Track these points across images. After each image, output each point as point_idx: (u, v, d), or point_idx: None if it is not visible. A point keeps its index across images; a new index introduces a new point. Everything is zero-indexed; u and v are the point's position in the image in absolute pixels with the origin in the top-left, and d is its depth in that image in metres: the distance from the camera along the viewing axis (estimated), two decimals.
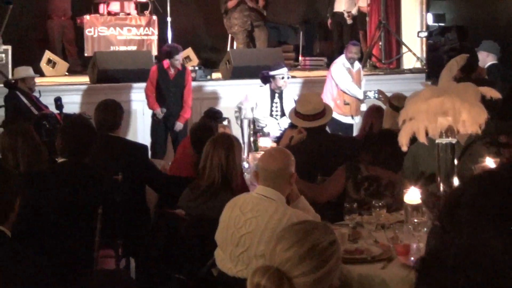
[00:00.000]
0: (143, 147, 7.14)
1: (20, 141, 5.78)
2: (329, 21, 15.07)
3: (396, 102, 7.38)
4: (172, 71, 10.56)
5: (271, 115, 9.82)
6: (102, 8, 14.83)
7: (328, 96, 11.04)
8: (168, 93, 10.55)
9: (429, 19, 12.56)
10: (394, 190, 5.64)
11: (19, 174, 5.53)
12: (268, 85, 10.01)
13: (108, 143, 6.69)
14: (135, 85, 11.59)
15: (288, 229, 2.92)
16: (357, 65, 11.45)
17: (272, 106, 9.88)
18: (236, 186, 5.46)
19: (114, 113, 6.92)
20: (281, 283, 2.72)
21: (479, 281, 1.21)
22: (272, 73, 9.94)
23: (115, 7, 14.80)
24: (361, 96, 11.03)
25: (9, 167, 5.71)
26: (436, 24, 12.04)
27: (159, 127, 10.61)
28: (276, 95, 9.93)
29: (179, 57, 10.60)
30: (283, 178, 4.57)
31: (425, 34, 12.00)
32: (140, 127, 11.39)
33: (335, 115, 10.99)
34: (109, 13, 14.71)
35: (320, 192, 5.89)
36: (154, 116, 10.62)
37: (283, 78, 9.92)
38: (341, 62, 11.34)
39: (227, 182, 5.41)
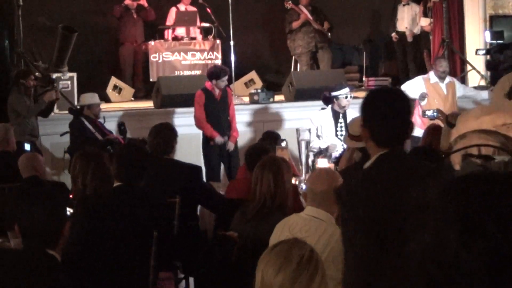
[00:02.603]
0: (197, 168, 7.18)
1: (93, 165, 5.90)
2: (394, 34, 14.94)
3: (454, 120, 7.30)
4: (217, 92, 10.54)
5: (336, 135, 9.77)
6: (167, 34, 15.04)
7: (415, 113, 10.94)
8: (217, 114, 10.49)
9: (487, 36, 12.41)
10: None
11: (81, 198, 5.64)
12: (330, 106, 9.96)
13: (162, 166, 6.76)
14: None
15: (268, 256, 2.95)
16: (448, 79, 11.22)
17: (336, 126, 9.84)
18: (288, 208, 5.48)
19: (167, 137, 7.00)
20: None
21: (440, 279, 1.25)
22: (334, 93, 9.91)
23: (180, 31, 14.98)
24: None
25: (77, 189, 5.85)
26: (494, 41, 11.88)
27: (213, 149, 10.55)
28: (340, 115, 9.90)
29: (226, 77, 10.59)
30: (331, 198, 4.57)
31: (483, 52, 11.86)
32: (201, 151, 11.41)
33: (418, 130, 10.72)
34: (174, 39, 14.90)
35: None
36: (210, 141, 10.55)
37: (346, 97, 9.88)
38: (424, 77, 11.32)
39: (277, 205, 5.43)
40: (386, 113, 3.50)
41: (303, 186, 7.24)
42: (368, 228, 3.51)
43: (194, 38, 14.98)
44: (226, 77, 10.53)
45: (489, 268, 1.25)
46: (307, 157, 7.84)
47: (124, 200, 5.45)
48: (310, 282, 2.88)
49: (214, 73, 10.50)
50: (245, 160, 7.05)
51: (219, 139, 10.37)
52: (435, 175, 3.72)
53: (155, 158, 6.50)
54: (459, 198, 1.32)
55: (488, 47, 13.40)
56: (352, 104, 10.06)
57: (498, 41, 11.80)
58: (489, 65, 10.96)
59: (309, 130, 8.32)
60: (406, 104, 3.61)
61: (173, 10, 14.96)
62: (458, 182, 1.38)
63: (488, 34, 12.38)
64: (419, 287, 1.29)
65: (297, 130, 8.97)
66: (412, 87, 11.04)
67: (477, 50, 13.04)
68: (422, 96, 10.91)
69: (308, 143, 7.92)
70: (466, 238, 1.27)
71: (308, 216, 4.55)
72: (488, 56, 11.84)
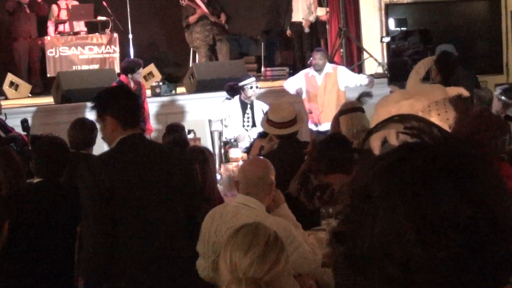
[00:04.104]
0: None
1: (2, 161, 5.77)
2: (288, 31, 15.11)
3: (349, 106, 7.46)
4: (132, 85, 10.47)
5: (243, 126, 9.85)
6: (62, 28, 14.81)
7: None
8: None
9: (391, 24, 12.67)
10: None
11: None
12: (237, 97, 10.03)
13: (80, 161, 6.68)
14: None
15: (234, 239, 3.01)
16: (326, 69, 11.13)
17: (244, 117, 9.91)
18: (213, 198, 5.52)
19: (90, 131, 6.95)
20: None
21: (394, 275, 1.14)
22: (241, 83, 9.97)
23: (74, 26, 14.79)
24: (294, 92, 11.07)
25: None
26: (398, 28, 12.14)
27: None
28: (248, 106, 9.97)
29: (141, 70, 10.57)
30: (263, 186, 4.62)
31: (388, 39, 12.11)
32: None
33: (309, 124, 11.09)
34: (69, 33, 14.69)
35: None
36: None
37: (251, 87, 9.96)
38: (305, 72, 11.35)
39: (204, 195, 5.46)
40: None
41: (218, 176, 7.29)
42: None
43: (89, 33, 14.81)
44: (141, 70, 10.51)
45: (449, 265, 1.14)
46: (220, 147, 7.88)
47: (45, 196, 5.39)
48: (277, 261, 2.94)
49: (128, 68, 10.49)
50: None
51: None
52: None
53: (74, 153, 6.42)
54: (403, 177, 1.18)
55: (384, 34, 13.70)
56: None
57: (402, 28, 12.05)
58: (393, 52, 11.19)
59: (221, 120, 8.37)
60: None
61: (54, 7, 14.74)
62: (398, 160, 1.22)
63: (392, 21, 12.64)
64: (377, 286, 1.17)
65: (209, 121, 9.01)
66: (292, 83, 11.25)
67: (382, 37, 13.29)
68: (297, 92, 11.06)
69: (220, 133, 7.96)
70: (422, 231, 1.14)
71: (239, 204, 4.59)
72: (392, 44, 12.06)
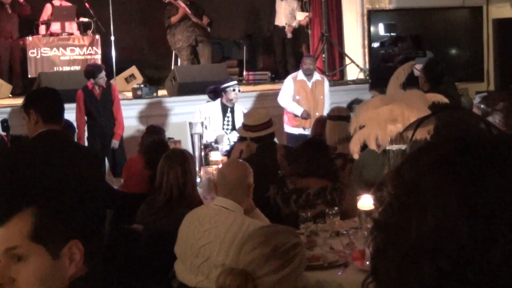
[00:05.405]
0: (101, 156, 7.13)
1: None
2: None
3: (336, 113, 7.54)
4: (97, 90, 10.52)
5: (222, 128, 9.88)
6: (43, 29, 14.77)
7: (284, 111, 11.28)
8: (98, 113, 10.51)
9: (380, 29, 12.63)
10: (340, 196, 5.69)
11: None
12: (219, 100, 10.06)
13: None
14: None
15: (253, 232, 3.01)
16: (316, 76, 11.44)
17: (224, 120, 9.94)
18: (193, 200, 5.53)
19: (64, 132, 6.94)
20: (245, 283, 2.80)
21: (446, 268, 1.11)
22: (223, 86, 10.01)
23: (56, 27, 14.75)
24: (298, 112, 11.09)
25: None
26: (387, 34, 12.11)
27: (95, 144, 10.50)
28: (228, 109, 10.00)
29: (103, 75, 10.57)
30: (241, 188, 4.63)
31: (377, 44, 12.08)
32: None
33: (288, 128, 11.16)
34: (51, 34, 14.65)
35: None
36: (88, 137, 10.59)
37: (234, 90, 9.99)
38: (293, 76, 11.47)
39: (184, 197, 5.48)
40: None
41: (198, 179, 7.29)
42: None
43: (71, 34, 14.77)
44: (103, 74, 10.53)
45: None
46: (200, 150, 7.88)
47: None
48: (277, 270, 2.91)
49: (90, 72, 10.52)
50: (144, 156, 7.05)
51: None
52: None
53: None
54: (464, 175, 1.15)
55: (366, 40, 13.71)
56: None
57: (391, 33, 12.03)
58: (383, 58, 11.14)
59: (202, 123, 8.38)
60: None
61: (48, 6, 14.71)
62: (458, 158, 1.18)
63: (381, 26, 12.61)
64: (425, 280, 1.14)
65: (190, 124, 8.98)
66: (286, 92, 11.28)
67: (370, 42, 13.25)
68: (307, 114, 11.13)
69: (201, 136, 7.96)
70: (475, 228, 1.11)
71: (217, 206, 4.59)
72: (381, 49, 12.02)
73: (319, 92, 11.33)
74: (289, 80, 11.42)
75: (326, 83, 11.63)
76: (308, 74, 11.31)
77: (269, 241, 2.95)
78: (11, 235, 2.14)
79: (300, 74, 11.35)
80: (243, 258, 2.91)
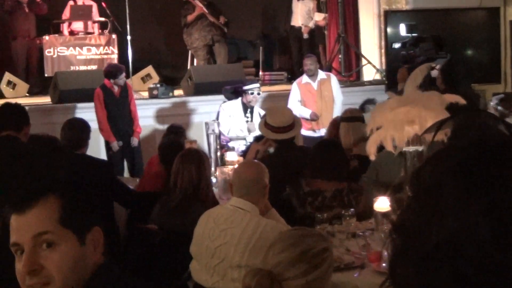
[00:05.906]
0: (109, 163, 7.14)
1: None
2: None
3: (349, 115, 7.48)
4: (116, 89, 10.52)
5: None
6: (62, 28, 14.82)
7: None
8: (117, 111, 10.49)
9: (402, 29, 12.53)
10: (356, 198, 5.66)
11: None
12: (240, 99, 10.11)
13: (74, 161, 6.68)
14: None
15: (283, 234, 3.00)
16: (320, 75, 11.30)
17: (244, 118, 9.99)
18: (208, 200, 5.52)
19: (80, 132, 6.93)
20: (271, 285, 2.78)
21: (467, 273, 1.10)
22: (245, 87, 10.04)
23: (76, 26, 14.80)
24: (307, 115, 10.98)
25: None
26: (409, 34, 12.03)
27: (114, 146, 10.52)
28: (248, 109, 10.03)
29: (123, 76, 10.58)
30: (257, 188, 4.62)
31: (399, 45, 11.99)
32: (103, 146, 11.33)
33: (303, 131, 11.11)
34: (70, 33, 14.69)
35: None
36: (108, 145, 10.55)
37: (252, 94, 10.01)
38: (297, 81, 11.39)
39: (199, 196, 5.47)
40: None
41: (213, 179, 7.27)
42: None
43: (91, 33, 14.82)
44: (123, 75, 10.55)
45: None
46: (216, 150, 7.87)
47: None
48: (303, 274, 2.89)
49: (111, 72, 10.49)
50: (160, 155, 7.04)
51: (114, 145, 10.39)
52: None
53: (67, 153, 6.42)
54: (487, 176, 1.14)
55: (383, 41, 13.68)
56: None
57: (413, 34, 11.95)
58: (404, 59, 11.04)
59: (218, 123, 8.35)
60: None
61: (69, 5, 14.77)
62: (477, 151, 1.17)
63: (403, 27, 12.53)
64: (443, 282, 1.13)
65: (206, 124, 8.96)
66: (293, 98, 11.21)
67: (392, 43, 13.16)
68: (315, 115, 11.06)
69: (217, 136, 7.95)
70: (498, 232, 1.10)
71: (233, 207, 4.58)
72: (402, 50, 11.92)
73: (325, 90, 11.15)
74: (294, 86, 11.33)
75: (334, 79, 11.45)
76: (311, 75, 11.16)
77: (298, 244, 2.93)
78: (41, 220, 2.13)
79: (304, 78, 11.22)
80: (271, 259, 2.90)
